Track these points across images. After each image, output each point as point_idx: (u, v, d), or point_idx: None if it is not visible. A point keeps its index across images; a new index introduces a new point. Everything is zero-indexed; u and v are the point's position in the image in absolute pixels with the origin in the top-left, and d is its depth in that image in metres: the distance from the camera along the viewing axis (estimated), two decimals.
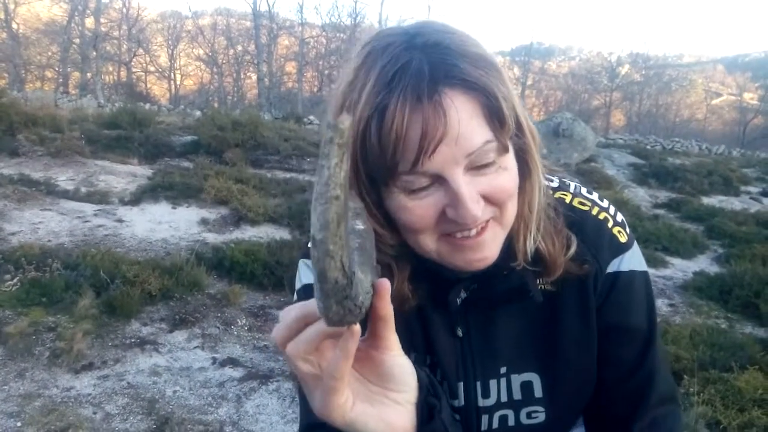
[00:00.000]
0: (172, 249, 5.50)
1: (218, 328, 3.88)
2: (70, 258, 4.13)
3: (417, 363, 0.70)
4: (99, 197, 6.78)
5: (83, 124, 12.43)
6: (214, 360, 3.53)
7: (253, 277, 4.89)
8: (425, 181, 0.63)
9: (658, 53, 49.46)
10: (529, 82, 43.34)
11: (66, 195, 6.55)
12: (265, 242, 5.53)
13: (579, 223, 0.77)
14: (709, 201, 10.54)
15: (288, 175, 9.89)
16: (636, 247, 0.81)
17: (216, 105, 28.85)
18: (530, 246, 0.72)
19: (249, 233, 6.07)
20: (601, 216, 0.79)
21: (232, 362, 3.52)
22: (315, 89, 38.04)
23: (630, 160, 13.96)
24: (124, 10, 32.80)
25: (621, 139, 23.20)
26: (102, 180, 8.01)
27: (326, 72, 36.28)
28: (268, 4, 29.97)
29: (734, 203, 9.90)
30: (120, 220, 6.01)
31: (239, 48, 37.83)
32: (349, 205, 0.46)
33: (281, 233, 6.12)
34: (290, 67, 38.54)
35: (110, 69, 32.27)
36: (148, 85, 39.54)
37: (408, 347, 0.74)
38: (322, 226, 0.40)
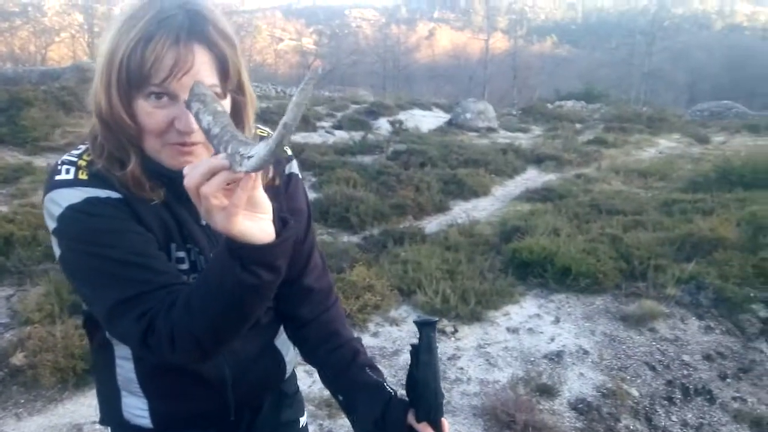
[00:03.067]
0: None
1: None
2: None
3: (178, 251, 1.02)
4: None
5: None
6: None
7: None
8: (166, 97, 0.89)
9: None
10: (98, 30, 39.66)
11: None
12: None
13: (262, 140, 1.17)
14: (295, 138, 12.05)
15: None
16: (294, 159, 1.23)
17: None
18: None
19: None
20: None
21: None
22: None
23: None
24: None
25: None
26: None
27: None
28: None
29: (314, 137, 11.56)
30: None
31: None
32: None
33: None
34: None
35: None
36: None
37: (167, 239, 1.02)
38: (293, 118, 0.65)
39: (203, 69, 0.89)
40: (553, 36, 75.57)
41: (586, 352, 3.60)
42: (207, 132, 0.78)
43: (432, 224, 6.49)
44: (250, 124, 1.05)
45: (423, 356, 1.08)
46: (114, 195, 0.95)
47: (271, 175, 1.09)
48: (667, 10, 42.58)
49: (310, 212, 1.23)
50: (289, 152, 1.19)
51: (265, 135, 1.17)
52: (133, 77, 0.88)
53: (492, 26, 45.00)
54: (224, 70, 0.92)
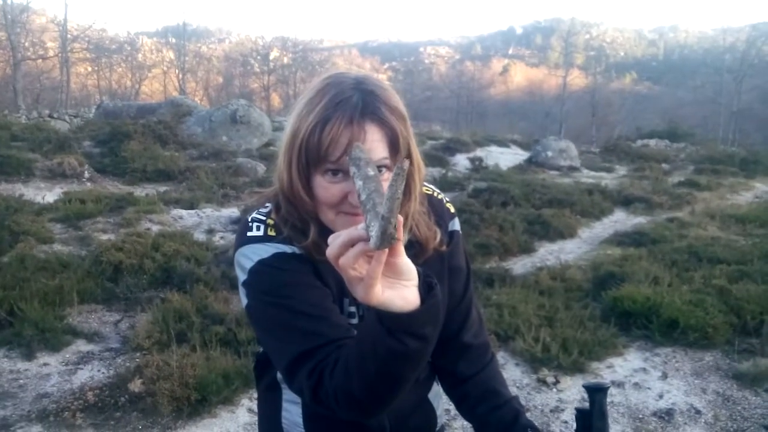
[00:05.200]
0: None
1: None
2: None
3: (350, 306, 1.08)
4: None
5: None
6: None
7: None
8: (341, 173, 0.94)
9: (301, 38, 53.42)
10: (189, 66, 42.18)
11: None
12: None
13: (429, 201, 1.18)
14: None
15: None
16: (457, 216, 1.25)
17: None
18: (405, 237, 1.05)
19: None
20: (440, 196, 1.23)
21: None
22: None
23: None
24: None
25: (285, 121, 24.74)
26: None
27: None
28: None
29: None
30: None
31: None
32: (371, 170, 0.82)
33: None
34: None
35: None
36: None
37: (340, 294, 1.07)
38: (388, 210, 0.69)
39: (375, 145, 0.94)
40: (633, 73, 73.81)
41: (698, 412, 3.39)
42: (358, 196, 0.80)
43: (518, 266, 6.36)
44: (417, 192, 1.08)
45: (596, 422, 1.06)
46: (297, 251, 1.02)
47: (438, 239, 1.12)
48: (756, 48, 40.65)
49: (470, 269, 1.24)
50: (452, 209, 1.23)
51: (430, 192, 1.21)
52: (311, 157, 0.95)
53: (569, 62, 44.48)
54: (394, 144, 0.96)
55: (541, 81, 55.35)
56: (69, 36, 29.60)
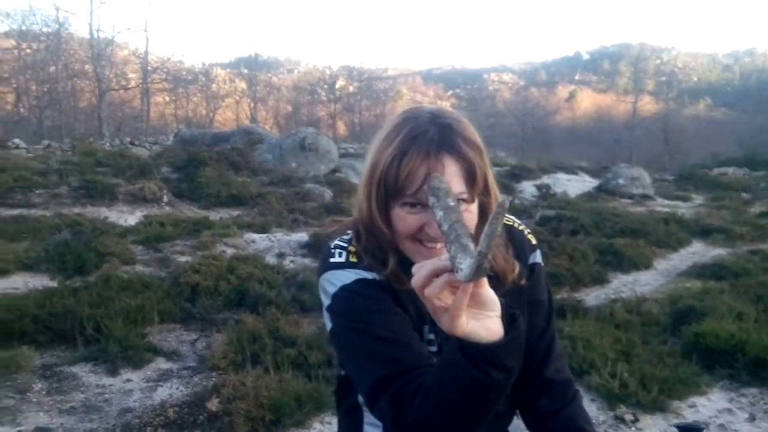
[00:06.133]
0: None
1: (12, 398, 3.35)
2: None
3: (429, 333, 1.08)
4: None
5: None
6: None
7: (23, 335, 4.26)
8: (418, 205, 0.96)
9: (367, 67, 54.53)
10: (260, 95, 43.84)
11: None
12: (28, 293, 4.83)
13: (509, 232, 1.18)
14: None
15: (15, 211, 8.53)
16: (539, 249, 1.24)
17: None
18: None
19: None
20: (520, 228, 1.23)
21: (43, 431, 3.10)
22: (11, 108, 32.78)
23: None
24: None
25: (351, 148, 25.15)
26: None
27: (25, 88, 31.57)
28: None
29: None
30: None
31: None
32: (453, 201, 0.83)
33: (41, 280, 5.38)
34: None
35: None
36: None
37: (420, 321, 1.07)
38: (486, 247, 0.69)
39: (452, 178, 0.95)
40: (707, 98, 70.95)
41: None
42: (439, 227, 0.81)
43: (590, 297, 6.17)
44: None
45: None
46: (378, 278, 1.04)
47: (516, 272, 1.11)
48: None
49: (552, 303, 1.22)
50: (534, 241, 1.22)
51: (511, 223, 1.21)
52: (389, 190, 0.98)
53: (639, 88, 43.29)
54: (471, 177, 0.98)
55: (609, 107, 54.06)
56: (149, 68, 31.42)
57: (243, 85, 46.60)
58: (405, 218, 0.98)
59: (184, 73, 40.81)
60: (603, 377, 3.67)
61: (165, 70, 34.40)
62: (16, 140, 16.20)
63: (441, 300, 0.78)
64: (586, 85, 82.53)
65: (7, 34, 31.50)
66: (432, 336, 1.09)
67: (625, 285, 6.67)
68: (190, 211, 9.53)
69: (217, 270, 5.40)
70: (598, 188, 14.36)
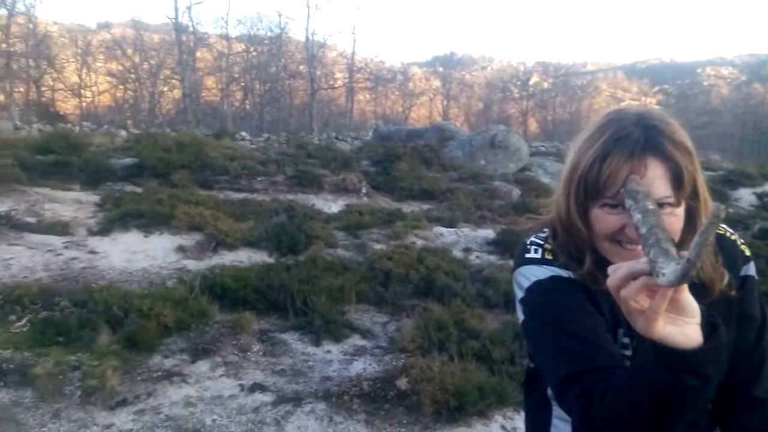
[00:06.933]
0: (154, 278, 5.45)
1: (237, 355, 3.96)
2: (74, 295, 4.06)
3: (624, 337, 1.07)
4: (60, 228, 6.56)
5: (13, 149, 11.80)
6: (242, 387, 3.61)
7: (245, 302, 4.94)
8: (618, 206, 0.96)
9: (564, 62, 52.31)
10: (453, 93, 44.66)
11: (29, 228, 6.30)
12: (251, 266, 5.59)
13: (720, 241, 1.12)
14: None
15: (241, 195, 9.81)
16: (752, 261, 1.17)
17: (130, 122, 27.73)
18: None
19: (228, 258, 6.09)
20: (732, 237, 1.17)
21: (260, 387, 3.62)
22: (238, 104, 37.46)
23: (560, 167, 14.81)
24: (30, 25, 30.97)
25: (542, 146, 24.46)
26: (47, 209, 7.70)
27: (251, 87, 35.88)
28: (191, 18, 29.07)
29: None
30: (93, 252, 5.87)
31: (153, 62, 36.53)
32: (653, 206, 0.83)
33: (261, 256, 6.18)
34: (209, 81, 37.65)
35: (20, 88, 30.39)
36: (57, 103, 37.41)
37: (614, 323, 1.06)
38: (696, 255, 0.68)
39: (656, 181, 0.94)
40: None
41: None
42: (636, 230, 0.80)
43: None
44: None
45: None
46: (573, 276, 1.06)
47: (725, 282, 1.07)
48: None
49: (766, 320, 1.15)
50: (747, 252, 1.16)
51: (722, 232, 1.16)
52: (590, 190, 0.99)
53: None
54: (678, 180, 0.96)
55: None
56: (354, 68, 33.75)
57: (437, 83, 47.72)
58: (604, 219, 0.98)
59: (384, 72, 43.04)
60: None
61: (368, 69, 36.65)
62: (243, 133, 18.57)
63: (637, 302, 0.79)
64: None
65: (238, 39, 36.05)
66: (626, 340, 1.09)
67: None
68: (385, 203, 10.14)
69: (408, 259, 5.73)
70: None
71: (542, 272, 1.08)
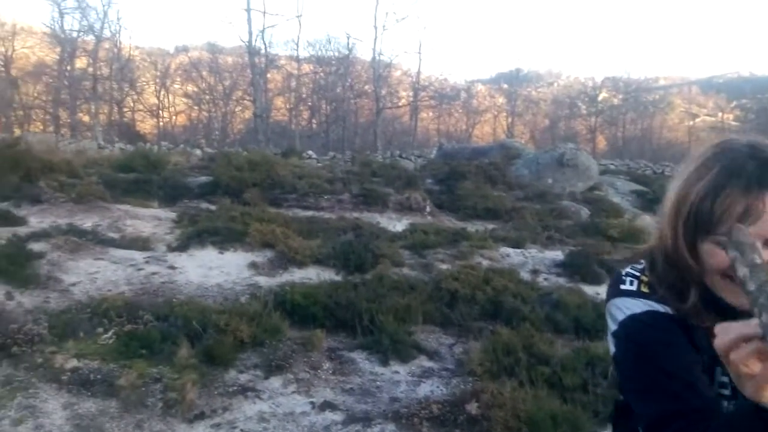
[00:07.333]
0: (228, 294, 5.64)
1: (308, 372, 4.04)
2: (157, 309, 4.27)
3: (723, 376, 1.01)
4: (141, 243, 6.92)
5: (98, 168, 12.56)
6: (313, 404, 3.68)
7: (314, 319, 5.03)
8: None
9: (633, 77, 50.71)
10: (518, 110, 44.21)
11: (113, 243, 6.68)
12: (320, 284, 5.70)
13: None
14: None
15: (308, 213, 10.04)
16: None
17: (203, 141, 28.99)
18: None
19: (297, 275, 6.22)
20: None
21: (330, 406, 3.67)
22: (305, 123, 38.45)
23: (631, 186, 14.39)
24: (115, 50, 33.05)
25: (612, 164, 23.79)
26: (129, 225, 8.12)
27: (318, 106, 36.81)
28: (264, 41, 30.22)
29: None
30: (172, 267, 6.14)
31: (227, 83, 38.14)
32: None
33: (329, 274, 6.28)
34: (279, 101, 38.86)
35: (104, 109, 32.47)
36: (137, 123, 39.62)
37: (713, 362, 1.00)
38: None
39: None
40: None
41: None
42: (742, 285, 0.74)
43: None
44: None
45: None
46: (670, 311, 1.03)
47: None
48: None
49: None
50: None
51: None
52: (701, 224, 0.95)
53: None
54: None
55: None
56: (418, 86, 34.03)
57: (501, 99, 47.33)
58: (718, 254, 0.93)
59: (447, 90, 43.12)
60: None
61: (432, 87, 36.84)
62: (309, 151, 19.04)
63: (747, 366, 0.75)
64: None
65: (307, 60, 37.14)
66: (725, 378, 1.04)
67: None
68: (449, 222, 10.12)
69: (474, 280, 5.69)
70: None
71: (638, 306, 1.06)
